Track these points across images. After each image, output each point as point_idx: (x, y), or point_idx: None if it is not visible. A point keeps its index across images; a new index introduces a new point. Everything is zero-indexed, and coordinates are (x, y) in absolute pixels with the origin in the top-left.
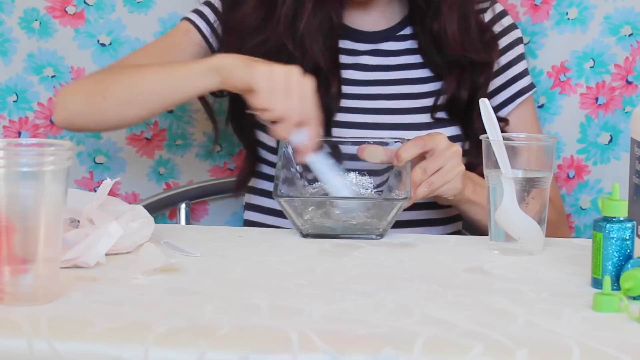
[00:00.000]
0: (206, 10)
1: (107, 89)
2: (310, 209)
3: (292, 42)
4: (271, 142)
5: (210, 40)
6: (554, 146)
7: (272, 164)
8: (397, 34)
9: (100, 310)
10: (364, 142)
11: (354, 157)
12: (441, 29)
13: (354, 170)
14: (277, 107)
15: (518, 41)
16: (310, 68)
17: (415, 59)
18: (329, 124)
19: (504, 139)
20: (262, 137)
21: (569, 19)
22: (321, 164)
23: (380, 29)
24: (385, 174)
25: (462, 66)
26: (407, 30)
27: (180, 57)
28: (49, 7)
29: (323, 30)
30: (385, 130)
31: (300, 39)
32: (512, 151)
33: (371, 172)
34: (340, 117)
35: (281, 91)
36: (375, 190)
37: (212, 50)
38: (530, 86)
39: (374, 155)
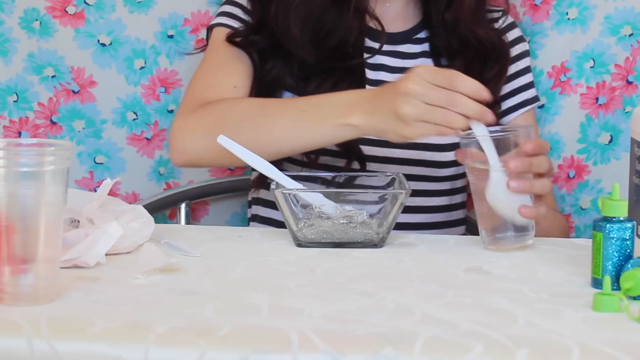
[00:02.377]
0: (233, 9)
1: (233, 138)
2: (306, 209)
3: None
4: None
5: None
6: (530, 135)
7: (292, 160)
8: (414, 37)
9: (100, 310)
10: (356, 176)
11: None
12: (459, 6)
13: (348, 202)
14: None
15: (526, 53)
16: (354, 28)
17: (429, 62)
18: None
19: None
20: None
21: (569, 19)
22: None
23: (398, 31)
24: (379, 205)
25: (470, 54)
26: (422, 34)
27: (241, 64)
28: (49, 7)
29: None
30: None
31: None
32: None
33: (364, 204)
34: None
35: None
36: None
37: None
38: (534, 99)
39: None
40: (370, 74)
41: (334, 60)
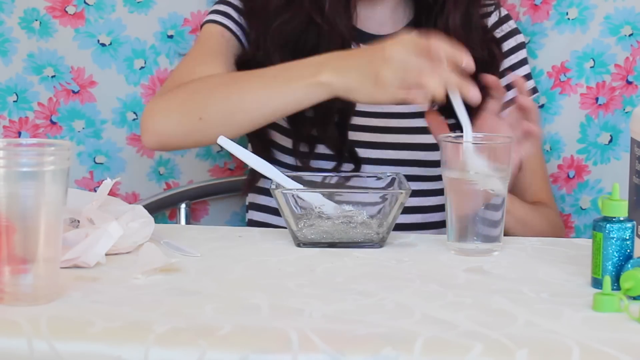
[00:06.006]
0: (227, 9)
1: (204, 110)
2: (306, 208)
3: (321, 17)
4: (284, 142)
5: (241, 39)
6: (509, 146)
7: (285, 164)
8: None
9: (100, 310)
10: (353, 176)
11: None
12: (445, 25)
13: (348, 203)
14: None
15: (521, 45)
16: (338, 43)
17: None
18: (345, 126)
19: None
20: (276, 137)
21: (569, 19)
22: None
23: (387, 33)
24: (378, 206)
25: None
26: None
27: (228, 59)
28: (49, 7)
29: (342, 3)
30: (396, 134)
31: (327, 14)
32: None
33: (364, 205)
34: (354, 120)
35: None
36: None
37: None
38: (532, 91)
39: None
40: None
41: None
